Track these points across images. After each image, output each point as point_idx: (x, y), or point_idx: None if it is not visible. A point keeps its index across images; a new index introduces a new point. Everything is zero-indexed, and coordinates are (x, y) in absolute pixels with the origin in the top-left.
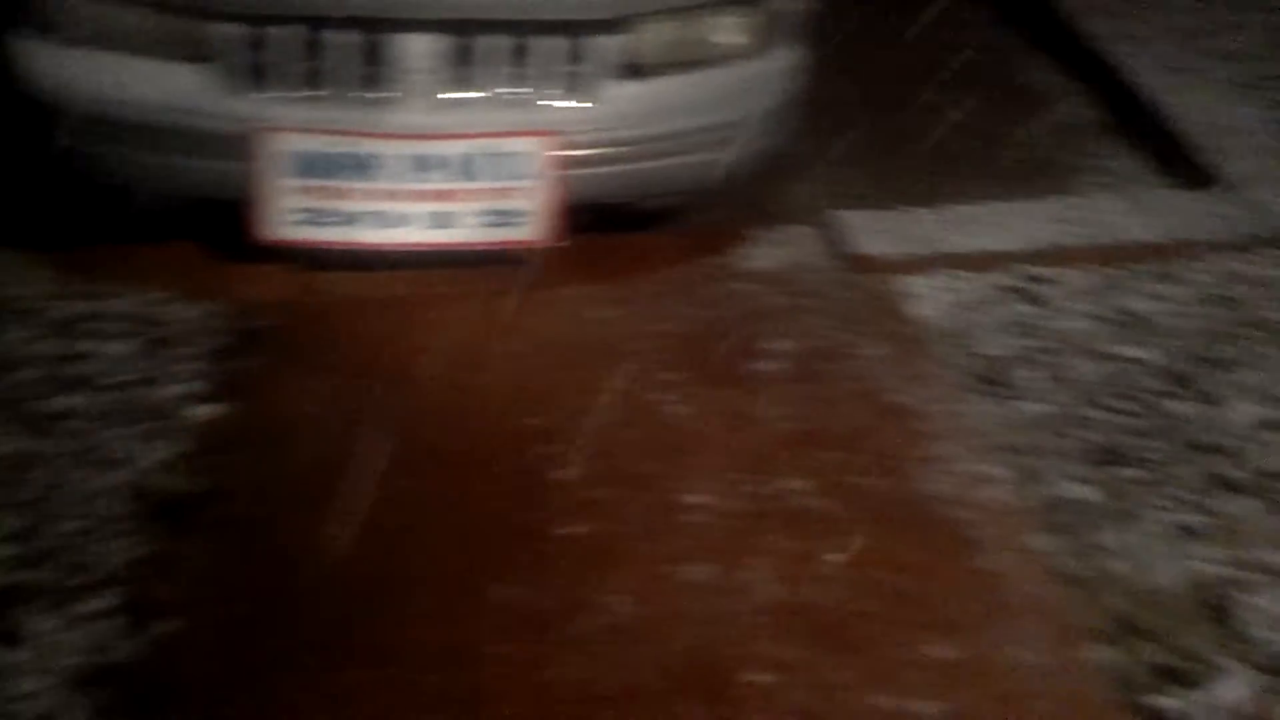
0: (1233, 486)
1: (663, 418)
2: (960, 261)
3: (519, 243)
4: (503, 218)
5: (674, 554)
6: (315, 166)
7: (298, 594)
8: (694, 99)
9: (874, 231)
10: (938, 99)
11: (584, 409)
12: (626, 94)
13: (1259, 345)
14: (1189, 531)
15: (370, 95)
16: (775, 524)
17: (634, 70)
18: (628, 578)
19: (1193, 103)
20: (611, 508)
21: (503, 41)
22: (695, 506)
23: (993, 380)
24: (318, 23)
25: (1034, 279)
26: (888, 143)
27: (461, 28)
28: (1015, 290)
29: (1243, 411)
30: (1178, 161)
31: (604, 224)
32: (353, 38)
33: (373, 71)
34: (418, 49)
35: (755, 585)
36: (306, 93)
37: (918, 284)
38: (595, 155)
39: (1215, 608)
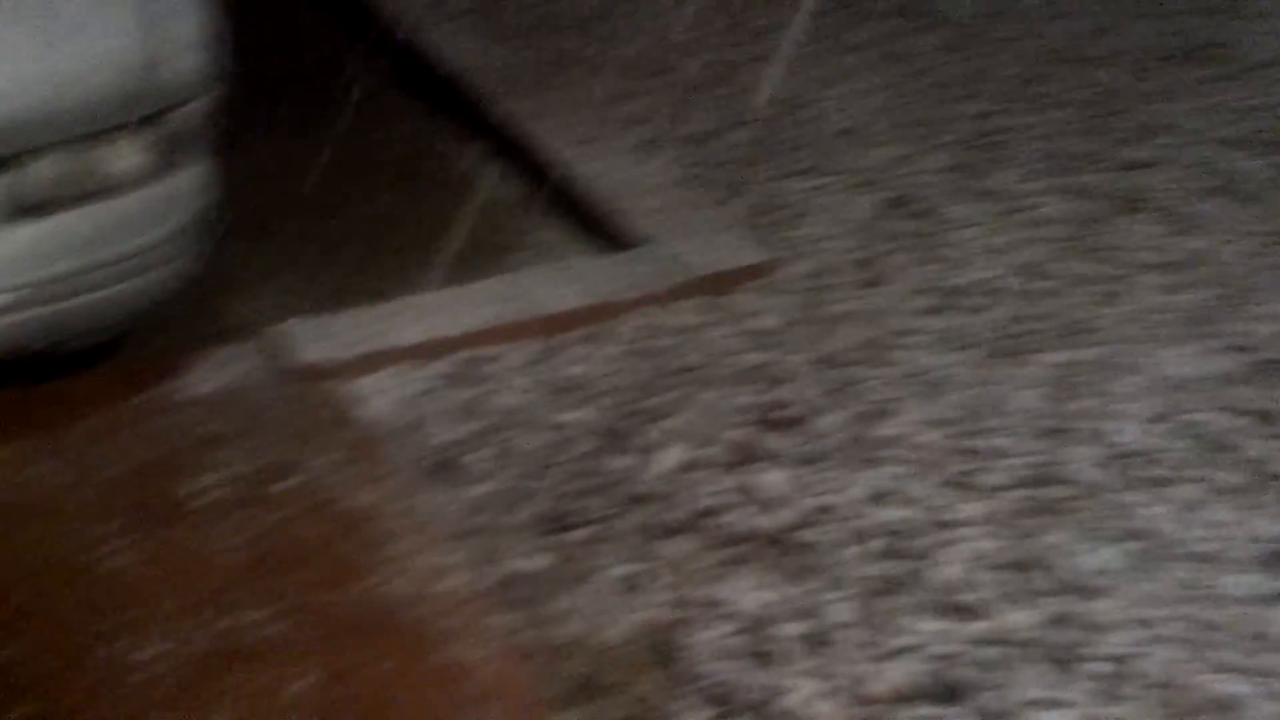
0: (670, 530)
1: (106, 572)
2: (406, 354)
3: None
4: None
5: (129, 716)
6: None
7: None
8: (98, 231)
9: (318, 338)
10: (373, 195)
11: (16, 581)
12: (21, 237)
13: (681, 390)
14: (634, 582)
15: None
16: (237, 661)
17: (26, 210)
18: None
19: (607, 169)
20: (57, 681)
21: None
22: (149, 660)
23: (444, 469)
24: None
25: (477, 361)
26: (328, 244)
27: None
28: (460, 375)
29: (672, 457)
30: (601, 227)
31: (25, 373)
32: None
33: None
34: None
35: None
36: None
37: (366, 384)
38: None
39: (664, 651)
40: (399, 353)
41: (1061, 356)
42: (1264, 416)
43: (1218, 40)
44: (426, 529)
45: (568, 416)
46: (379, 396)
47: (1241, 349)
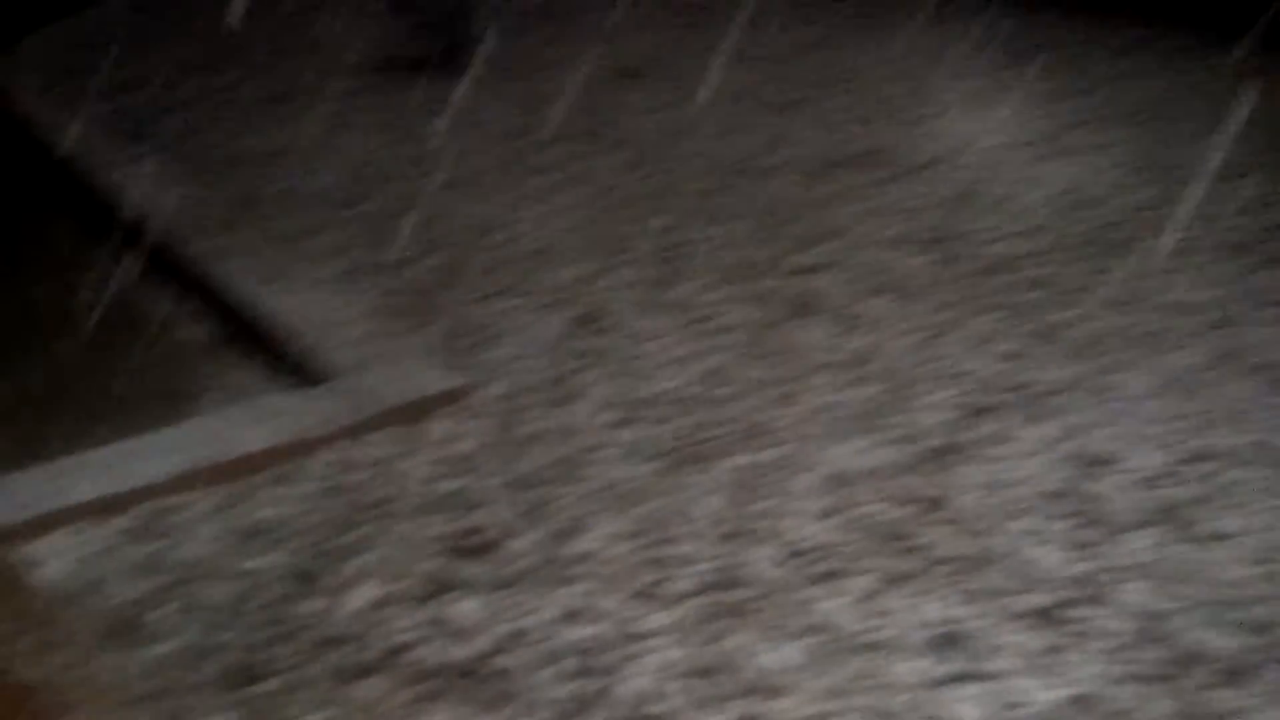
0: (362, 671)
1: None
2: (85, 512)
3: None
4: None
5: None
6: None
7: None
8: None
9: None
10: (56, 346)
11: None
12: None
13: (374, 525)
14: None
15: None
16: None
17: None
18: None
19: (298, 304)
20: None
21: None
22: None
23: (124, 630)
24: None
25: (161, 512)
26: (3, 402)
27: None
28: (143, 529)
29: (364, 595)
30: (292, 364)
31: None
32: None
33: None
34: None
35: None
36: None
37: (41, 548)
38: None
39: None
40: (77, 511)
41: (743, 459)
42: (931, 503)
43: (878, 146)
44: (105, 695)
45: (256, 562)
46: (55, 559)
47: (908, 439)
